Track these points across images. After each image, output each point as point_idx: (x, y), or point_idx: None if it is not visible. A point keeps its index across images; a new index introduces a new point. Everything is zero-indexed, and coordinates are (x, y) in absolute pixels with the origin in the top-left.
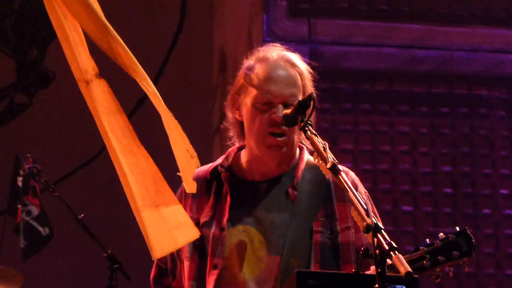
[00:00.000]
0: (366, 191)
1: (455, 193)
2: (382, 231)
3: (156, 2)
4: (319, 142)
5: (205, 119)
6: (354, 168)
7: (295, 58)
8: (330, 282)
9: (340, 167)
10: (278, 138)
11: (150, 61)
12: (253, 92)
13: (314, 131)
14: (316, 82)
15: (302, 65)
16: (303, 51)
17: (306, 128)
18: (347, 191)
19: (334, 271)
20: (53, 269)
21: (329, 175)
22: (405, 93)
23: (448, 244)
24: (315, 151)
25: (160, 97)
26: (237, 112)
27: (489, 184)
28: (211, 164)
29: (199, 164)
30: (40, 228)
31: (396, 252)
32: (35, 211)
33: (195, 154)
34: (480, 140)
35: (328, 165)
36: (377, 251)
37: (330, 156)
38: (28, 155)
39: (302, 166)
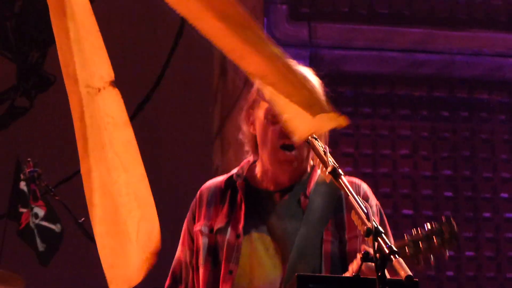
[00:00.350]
0: (378, 203)
1: (455, 196)
2: (383, 235)
3: (156, 6)
4: (320, 146)
5: (206, 123)
6: (355, 171)
7: (307, 72)
8: (330, 285)
9: (354, 179)
10: (289, 152)
11: (151, 65)
12: (265, 105)
13: (314, 135)
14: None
15: (314, 79)
16: (303, 55)
17: None
18: (347, 195)
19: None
20: (54, 273)
21: (329, 179)
22: (406, 97)
23: (431, 233)
24: (315, 155)
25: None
26: (252, 126)
27: (490, 188)
28: (225, 175)
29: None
30: (53, 226)
31: (396, 255)
32: (41, 212)
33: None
34: (481, 144)
35: (328, 169)
36: (378, 254)
37: (330, 160)
38: (29, 159)
39: (315, 178)
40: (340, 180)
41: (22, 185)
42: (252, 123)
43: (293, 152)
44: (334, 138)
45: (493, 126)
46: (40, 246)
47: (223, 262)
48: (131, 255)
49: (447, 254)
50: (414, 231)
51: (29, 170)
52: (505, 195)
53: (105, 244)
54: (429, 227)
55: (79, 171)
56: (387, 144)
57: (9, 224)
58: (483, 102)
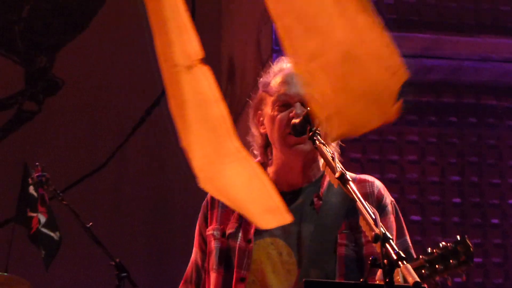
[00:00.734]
0: (393, 200)
1: (463, 202)
2: (391, 241)
3: None
4: (328, 151)
5: None
6: None
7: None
8: None
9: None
10: (298, 137)
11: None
12: (270, 99)
13: (322, 141)
14: None
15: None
16: None
17: (314, 138)
18: (355, 201)
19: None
20: (61, 277)
21: (337, 184)
22: (414, 103)
23: (447, 253)
24: (323, 160)
25: None
26: (261, 126)
27: (497, 194)
28: None
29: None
30: (52, 233)
31: (404, 262)
32: (42, 218)
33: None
34: (488, 150)
35: (337, 175)
36: (385, 260)
37: (338, 165)
38: (37, 163)
39: (328, 178)
40: (348, 186)
41: (31, 189)
42: (262, 123)
43: (303, 136)
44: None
45: (500, 132)
46: (42, 253)
47: (235, 268)
48: (255, 212)
49: (464, 275)
50: (429, 251)
51: (37, 174)
52: None
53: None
54: (444, 246)
55: (87, 175)
56: (394, 150)
57: (17, 228)
58: (491, 107)
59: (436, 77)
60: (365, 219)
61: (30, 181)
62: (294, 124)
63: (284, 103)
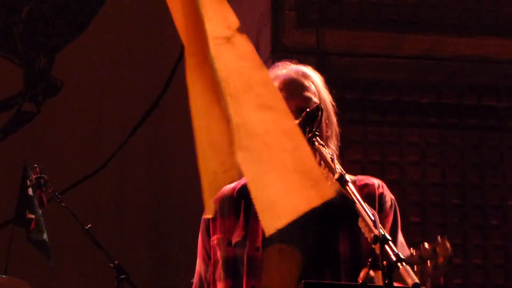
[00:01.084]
0: (393, 197)
1: (463, 204)
2: (390, 242)
3: (164, 14)
4: (327, 153)
5: None
6: None
7: (307, 69)
8: None
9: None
10: None
11: (159, 71)
12: None
13: (321, 142)
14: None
15: (315, 75)
16: (311, 62)
17: (313, 139)
18: (354, 202)
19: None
20: (60, 279)
21: (337, 186)
22: (414, 104)
23: (425, 255)
24: (322, 162)
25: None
26: None
27: (498, 195)
28: (235, 182)
29: (231, 180)
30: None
31: (403, 263)
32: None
33: (230, 167)
34: (489, 151)
35: (336, 176)
36: (385, 262)
37: (337, 167)
38: (35, 165)
39: None
40: (347, 187)
41: (31, 191)
42: None
43: None
44: (342, 145)
45: (501, 133)
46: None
47: (244, 277)
48: (295, 186)
49: (442, 279)
50: (410, 252)
51: (35, 176)
52: None
53: (262, 184)
54: (423, 248)
55: (86, 177)
56: (395, 151)
57: (16, 230)
58: (492, 109)
59: (437, 78)
60: (364, 220)
61: (28, 183)
62: None
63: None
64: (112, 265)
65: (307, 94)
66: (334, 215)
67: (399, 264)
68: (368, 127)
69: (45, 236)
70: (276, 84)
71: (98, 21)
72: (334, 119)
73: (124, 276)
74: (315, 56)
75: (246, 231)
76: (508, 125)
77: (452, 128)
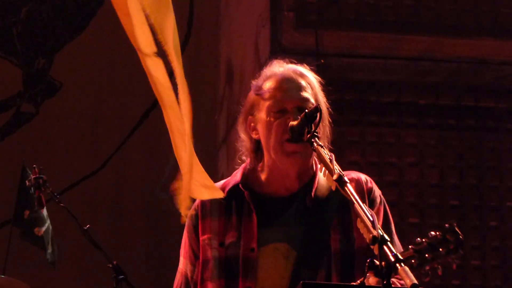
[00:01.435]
0: (380, 192)
1: (462, 205)
2: (388, 243)
3: None
4: (326, 154)
5: (211, 130)
6: None
7: (303, 69)
8: None
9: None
10: (295, 144)
11: None
12: (265, 104)
13: (320, 143)
14: (324, 92)
15: (311, 75)
16: (310, 63)
17: (312, 140)
18: (353, 203)
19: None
20: (59, 279)
21: (335, 187)
22: (412, 105)
23: (436, 242)
24: (321, 163)
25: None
26: (254, 132)
27: (496, 197)
28: (222, 182)
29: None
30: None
31: (402, 264)
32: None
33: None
34: (487, 152)
35: (334, 177)
36: (383, 263)
37: (336, 167)
38: (34, 165)
39: (318, 177)
40: (346, 188)
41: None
42: (254, 129)
43: (299, 144)
44: (340, 146)
45: (499, 134)
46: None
47: (239, 278)
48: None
49: (455, 263)
50: (418, 241)
51: (34, 176)
52: (511, 204)
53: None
54: (434, 235)
55: (84, 177)
56: (393, 152)
57: (15, 230)
58: (490, 110)
59: (435, 79)
60: (362, 221)
61: (27, 183)
62: (292, 126)
63: (281, 108)
64: (110, 265)
65: (305, 94)
66: (326, 211)
67: (397, 264)
68: (366, 128)
69: (44, 229)
70: (272, 81)
71: (97, 21)
72: (327, 121)
73: (122, 276)
74: (314, 57)
75: (239, 232)
76: (506, 126)
77: (450, 129)
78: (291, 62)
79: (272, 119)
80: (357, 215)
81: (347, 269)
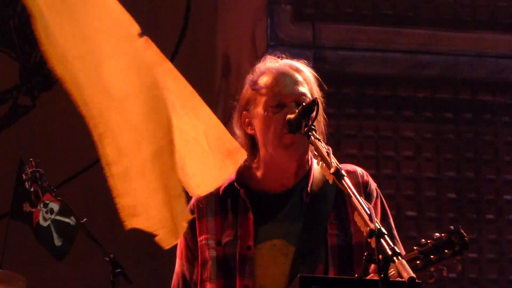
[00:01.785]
0: (376, 185)
1: (459, 198)
2: (386, 236)
3: (159, 7)
4: (323, 147)
5: None
6: None
7: (299, 64)
8: (333, 286)
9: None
10: (294, 135)
11: None
12: (262, 99)
13: (317, 136)
14: (320, 87)
15: (307, 70)
16: (307, 56)
17: (309, 133)
18: (350, 196)
19: (338, 276)
20: (56, 273)
21: (332, 180)
22: (410, 98)
23: (441, 243)
24: (318, 156)
25: None
26: (249, 127)
27: (493, 190)
28: None
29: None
30: (67, 219)
31: (399, 257)
32: (56, 206)
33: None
34: (484, 146)
35: (332, 170)
36: (380, 256)
37: (333, 161)
38: (31, 159)
39: (313, 171)
40: (343, 181)
41: (27, 185)
42: (249, 124)
43: (297, 135)
44: (337, 140)
45: (496, 128)
46: (57, 241)
47: (237, 277)
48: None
49: (460, 266)
50: (423, 242)
51: (31, 170)
52: (508, 197)
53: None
54: (439, 237)
55: (81, 171)
56: (390, 146)
57: (11, 224)
58: (487, 103)
59: (432, 72)
60: (360, 214)
61: (24, 176)
62: (289, 120)
63: (279, 103)
64: (107, 259)
65: (302, 89)
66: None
67: (395, 258)
68: (363, 121)
69: (73, 219)
70: (268, 76)
71: None
72: (321, 117)
73: (119, 269)
74: (311, 50)
75: (235, 230)
76: (503, 119)
77: (447, 123)
78: (286, 57)
79: (270, 113)
80: (354, 208)
81: (345, 263)
